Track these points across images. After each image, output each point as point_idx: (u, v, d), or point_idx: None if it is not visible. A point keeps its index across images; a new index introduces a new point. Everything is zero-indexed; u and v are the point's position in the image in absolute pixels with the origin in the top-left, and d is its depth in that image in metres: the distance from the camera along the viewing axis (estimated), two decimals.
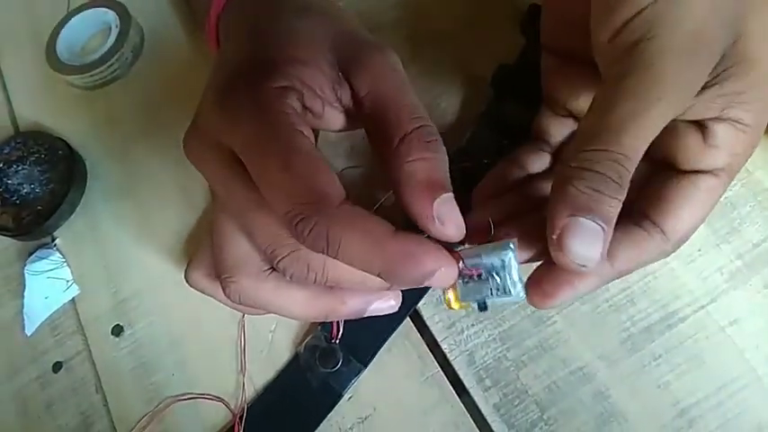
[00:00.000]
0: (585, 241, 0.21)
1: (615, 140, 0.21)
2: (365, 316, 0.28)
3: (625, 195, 0.21)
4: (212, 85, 0.25)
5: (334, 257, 0.22)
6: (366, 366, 0.34)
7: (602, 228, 0.21)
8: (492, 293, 0.23)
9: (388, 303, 0.28)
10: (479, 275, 0.23)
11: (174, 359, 0.38)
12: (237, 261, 0.27)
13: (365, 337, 0.34)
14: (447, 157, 0.23)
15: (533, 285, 0.24)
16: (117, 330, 0.39)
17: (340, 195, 0.22)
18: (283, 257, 0.24)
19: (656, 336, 0.33)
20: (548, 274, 0.24)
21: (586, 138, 0.22)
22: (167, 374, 0.37)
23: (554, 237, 0.21)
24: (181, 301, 0.39)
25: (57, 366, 0.39)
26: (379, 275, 0.22)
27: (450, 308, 0.24)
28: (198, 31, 0.47)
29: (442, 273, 0.22)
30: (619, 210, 0.21)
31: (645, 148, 0.21)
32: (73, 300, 0.41)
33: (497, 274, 0.23)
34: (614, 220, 0.21)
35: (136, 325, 0.39)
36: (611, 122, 0.21)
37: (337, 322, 0.34)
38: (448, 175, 0.23)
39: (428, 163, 0.23)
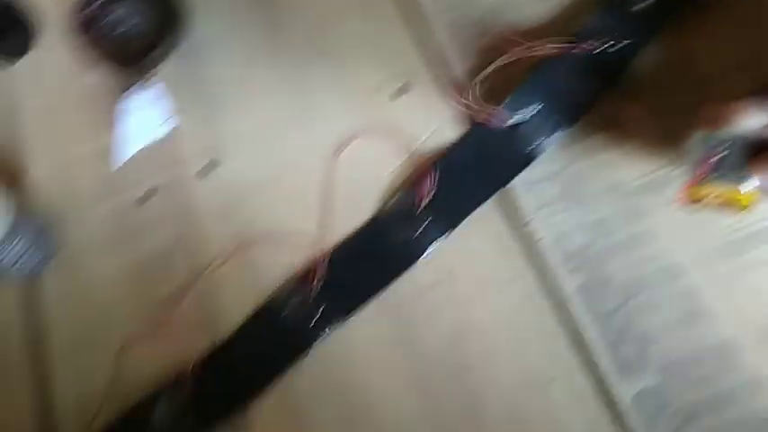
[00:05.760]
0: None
1: None
2: None
3: None
4: None
5: None
6: (448, 234, 0.34)
7: None
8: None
9: None
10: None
11: (262, 200, 0.38)
12: None
13: (452, 205, 0.34)
14: None
15: None
16: (208, 168, 0.39)
17: None
18: None
19: (760, 243, 0.31)
20: None
21: None
22: (253, 214, 0.38)
23: None
24: (279, 145, 0.39)
25: (147, 195, 0.40)
26: None
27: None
28: None
29: None
30: None
31: None
32: (167, 134, 0.41)
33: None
34: None
35: (228, 164, 0.39)
36: None
37: (427, 184, 0.34)
38: None
39: None
